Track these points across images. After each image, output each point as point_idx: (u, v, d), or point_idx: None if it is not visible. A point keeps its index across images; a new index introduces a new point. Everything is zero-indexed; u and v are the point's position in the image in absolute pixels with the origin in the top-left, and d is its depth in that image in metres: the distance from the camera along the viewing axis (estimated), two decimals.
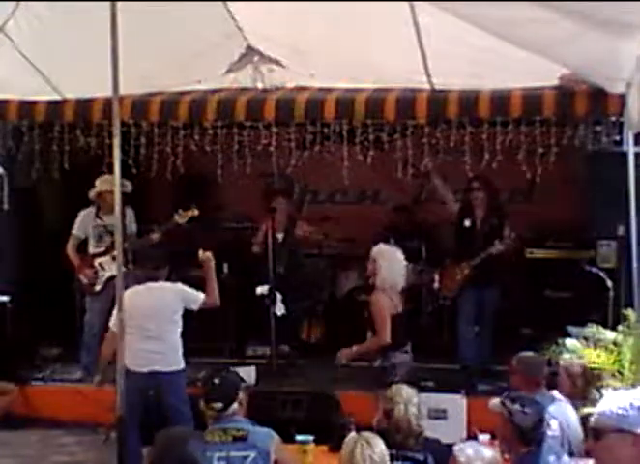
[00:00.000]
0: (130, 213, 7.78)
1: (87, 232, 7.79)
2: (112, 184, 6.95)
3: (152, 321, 6.10)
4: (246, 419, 4.58)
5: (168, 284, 6.29)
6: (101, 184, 7.60)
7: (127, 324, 5.43)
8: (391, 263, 6.17)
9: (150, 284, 6.24)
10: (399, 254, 6.27)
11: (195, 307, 6.18)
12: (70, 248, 7.75)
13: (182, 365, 6.18)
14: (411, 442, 4.41)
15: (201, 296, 6.19)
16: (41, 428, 7.20)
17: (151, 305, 6.15)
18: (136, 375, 5.84)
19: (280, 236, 8.27)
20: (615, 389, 4.68)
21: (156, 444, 3.61)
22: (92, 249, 7.78)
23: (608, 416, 2.58)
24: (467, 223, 7.74)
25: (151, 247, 7.32)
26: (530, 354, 5.28)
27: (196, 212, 7.56)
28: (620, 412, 2.56)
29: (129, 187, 7.54)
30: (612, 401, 2.62)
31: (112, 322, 5.98)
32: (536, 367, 5.10)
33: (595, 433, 2.62)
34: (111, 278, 7.33)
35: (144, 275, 6.32)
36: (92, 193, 7.72)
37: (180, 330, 6.18)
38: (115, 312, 5.64)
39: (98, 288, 7.67)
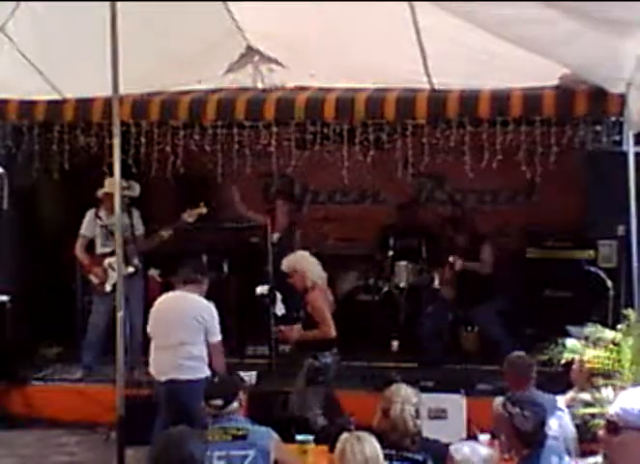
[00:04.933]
0: (136, 213, 7.81)
1: (94, 232, 7.79)
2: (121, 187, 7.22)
3: (166, 329, 6.16)
4: (245, 418, 4.59)
5: (192, 297, 6.21)
6: (110, 185, 7.60)
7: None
8: (307, 264, 6.55)
9: (178, 292, 6.28)
10: (304, 253, 6.80)
11: (212, 339, 6.08)
12: (78, 248, 7.77)
13: (197, 375, 6.05)
14: (407, 442, 4.39)
15: (219, 336, 6.12)
16: (41, 428, 7.20)
17: (167, 314, 6.22)
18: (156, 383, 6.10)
19: (281, 236, 8.27)
20: (615, 388, 4.68)
21: (155, 444, 3.61)
22: (99, 249, 7.79)
23: (631, 413, 2.56)
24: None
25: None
26: (518, 354, 5.35)
27: (204, 209, 7.56)
28: None
29: (136, 190, 7.59)
30: (637, 399, 2.60)
31: None
32: (523, 367, 5.19)
33: (612, 427, 2.60)
34: None
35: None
36: (100, 193, 7.72)
37: (197, 344, 6.08)
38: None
39: (108, 288, 7.64)
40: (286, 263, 6.62)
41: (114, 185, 7.33)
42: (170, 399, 6.04)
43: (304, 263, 6.55)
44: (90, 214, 7.80)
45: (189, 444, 3.52)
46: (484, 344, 8.25)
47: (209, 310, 6.14)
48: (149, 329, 6.27)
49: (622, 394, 2.82)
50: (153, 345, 6.21)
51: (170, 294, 6.35)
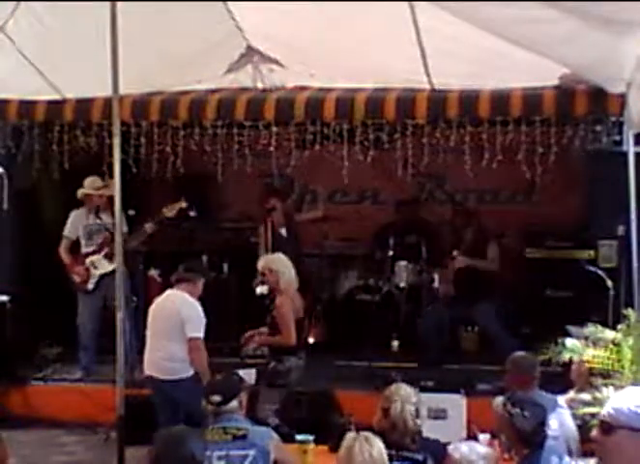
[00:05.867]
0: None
1: (77, 232, 7.82)
2: (96, 186, 7.52)
3: (154, 327, 6.24)
4: (245, 418, 4.59)
5: (183, 297, 6.22)
6: (87, 185, 7.65)
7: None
8: (282, 267, 6.49)
9: (169, 291, 6.33)
10: (282, 256, 6.71)
11: (189, 334, 6.08)
12: (62, 249, 7.81)
13: (179, 375, 6.12)
14: (407, 441, 4.40)
15: (199, 333, 6.10)
16: (41, 428, 7.19)
17: (158, 313, 6.26)
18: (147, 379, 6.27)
19: (279, 234, 8.27)
20: (616, 387, 4.68)
21: (155, 443, 3.61)
22: (83, 249, 7.82)
23: (623, 413, 2.56)
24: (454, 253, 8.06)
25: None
26: (522, 353, 5.33)
27: (184, 204, 7.53)
28: (636, 410, 2.55)
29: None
30: (629, 398, 2.61)
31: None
32: (527, 366, 5.16)
33: (605, 427, 2.60)
34: (103, 276, 7.48)
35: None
36: (79, 193, 7.75)
37: (180, 343, 6.11)
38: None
39: (90, 287, 7.70)
40: (262, 262, 6.62)
41: (92, 185, 7.59)
42: (157, 396, 6.21)
43: (280, 265, 6.52)
44: (73, 215, 7.83)
45: (189, 443, 3.52)
46: (484, 344, 8.25)
47: (190, 305, 6.17)
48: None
49: (614, 394, 2.82)
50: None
51: (164, 294, 6.40)
